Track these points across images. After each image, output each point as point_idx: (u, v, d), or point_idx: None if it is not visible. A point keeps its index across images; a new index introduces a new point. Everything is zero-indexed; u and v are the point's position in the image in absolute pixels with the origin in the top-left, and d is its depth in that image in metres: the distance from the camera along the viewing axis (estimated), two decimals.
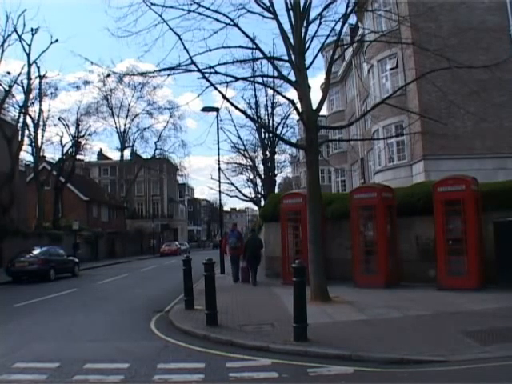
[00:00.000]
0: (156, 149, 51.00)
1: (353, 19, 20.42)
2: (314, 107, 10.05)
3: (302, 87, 9.98)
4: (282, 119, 30.14)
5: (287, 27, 10.04)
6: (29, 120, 28.17)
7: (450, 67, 9.94)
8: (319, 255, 9.65)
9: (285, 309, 8.47)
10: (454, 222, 10.89)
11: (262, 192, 32.29)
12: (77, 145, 33.17)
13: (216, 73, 9.92)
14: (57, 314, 10.05)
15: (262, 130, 27.62)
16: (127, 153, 53.38)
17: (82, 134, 33.05)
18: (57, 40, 33.51)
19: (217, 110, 17.88)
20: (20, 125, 26.81)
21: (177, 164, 54.02)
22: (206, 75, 9.78)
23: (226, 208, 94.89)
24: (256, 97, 28.43)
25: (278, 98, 28.04)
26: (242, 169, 34.42)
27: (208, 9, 9.67)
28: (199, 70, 9.68)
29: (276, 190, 34.20)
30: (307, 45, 10.09)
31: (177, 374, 5.29)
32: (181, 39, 9.57)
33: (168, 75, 10.26)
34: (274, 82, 17.55)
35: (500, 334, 6.22)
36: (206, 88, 9.88)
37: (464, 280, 10.15)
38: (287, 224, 13.16)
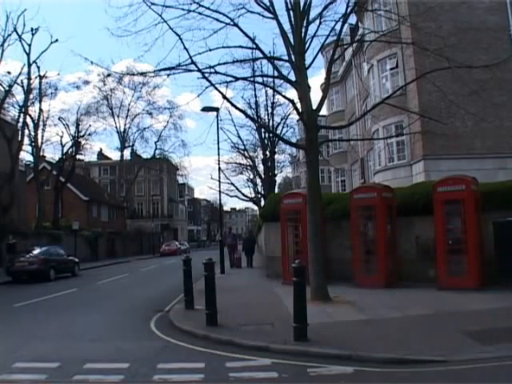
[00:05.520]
0: (156, 149, 51.09)
1: (353, 19, 20.48)
2: (314, 107, 10.04)
3: (302, 87, 9.97)
4: (281, 119, 30.21)
5: (287, 27, 10.05)
6: (29, 120, 28.17)
7: (449, 67, 9.94)
8: (319, 255, 9.64)
9: (285, 309, 8.47)
10: (454, 222, 10.89)
11: (262, 192, 32.32)
12: (77, 145, 33.15)
13: (216, 73, 9.92)
14: (57, 314, 10.05)
15: (262, 129, 27.64)
16: (127, 153, 53.48)
17: (81, 133, 33.06)
18: (57, 40, 33.43)
19: (217, 109, 17.89)
20: (20, 125, 26.77)
21: (177, 164, 54.05)
22: (206, 75, 9.78)
23: (226, 208, 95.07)
24: (256, 97, 28.51)
25: (278, 97, 28.10)
26: (242, 169, 34.50)
27: (208, 8, 9.67)
28: (199, 70, 9.68)
29: (276, 190, 34.23)
30: (307, 45, 10.08)
31: (177, 374, 5.29)
32: (181, 39, 9.57)
33: (168, 75, 10.26)
34: (273, 81, 17.55)
35: (500, 334, 6.22)
36: (206, 88, 9.89)
37: (464, 280, 10.15)
38: (287, 224, 13.15)
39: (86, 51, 11.45)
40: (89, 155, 47.08)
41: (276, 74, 11.62)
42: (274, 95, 28.12)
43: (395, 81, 20.55)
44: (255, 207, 50.26)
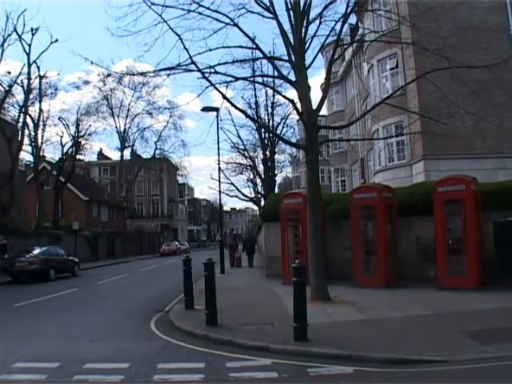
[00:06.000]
0: (156, 149, 51.11)
1: (353, 19, 20.47)
2: (314, 107, 10.04)
3: (302, 87, 9.97)
4: (281, 119, 30.21)
5: (287, 27, 10.05)
6: (29, 120, 28.15)
7: (449, 67, 9.93)
8: (319, 255, 9.64)
9: (285, 309, 8.47)
10: (454, 222, 10.89)
11: (262, 192, 32.32)
12: (77, 145, 33.14)
13: (216, 73, 9.92)
14: (57, 314, 10.05)
15: (262, 129, 27.64)
16: (127, 153, 53.49)
17: (81, 133, 33.04)
18: (57, 40, 33.38)
19: (217, 109, 17.88)
20: (20, 125, 26.76)
21: (177, 164, 54.05)
22: (206, 75, 9.78)
23: (226, 208, 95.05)
24: (256, 97, 28.51)
25: (278, 97, 28.10)
26: (242, 169, 34.51)
27: (208, 8, 9.68)
28: (199, 70, 9.68)
29: (276, 190, 34.23)
30: (307, 45, 10.08)
31: (177, 374, 5.29)
32: (181, 39, 9.57)
33: (168, 75, 10.26)
34: (273, 81, 17.54)
35: (500, 334, 6.22)
36: (206, 88, 9.90)
37: (464, 280, 10.15)
38: (287, 224, 13.15)
39: (86, 51, 11.47)
40: (89, 155, 47.20)
41: (276, 73, 11.61)
42: (273, 95, 28.15)
43: (395, 81, 20.55)
44: (255, 207, 50.33)
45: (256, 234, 30.08)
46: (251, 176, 35.37)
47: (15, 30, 25.10)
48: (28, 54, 26.58)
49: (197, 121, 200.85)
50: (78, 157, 35.98)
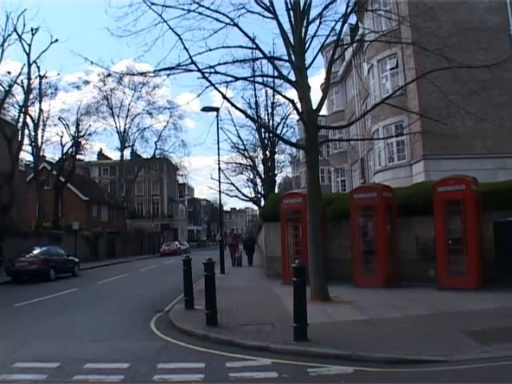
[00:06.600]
0: (156, 149, 51.07)
1: (353, 19, 20.47)
2: (314, 107, 10.04)
3: (302, 87, 9.97)
4: (281, 119, 30.26)
5: (287, 27, 10.05)
6: (29, 120, 28.18)
7: (450, 67, 9.93)
8: (319, 255, 9.64)
9: (285, 309, 8.47)
10: (454, 222, 10.88)
11: (262, 192, 32.35)
12: (77, 145, 33.15)
13: (216, 73, 9.91)
14: (57, 314, 10.05)
15: (262, 129, 27.66)
16: (127, 153, 53.43)
17: (81, 133, 33.06)
18: (57, 40, 33.37)
19: (217, 109, 17.87)
20: (20, 125, 26.77)
21: (177, 164, 54.02)
22: (206, 75, 9.77)
23: (226, 208, 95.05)
24: (256, 97, 28.57)
25: (278, 97, 28.15)
26: (242, 169, 34.54)
27: (208, 8, 9.67)
28: (199, 70, 9.67)
29: (276, 190, 34.26)
30: (307, 45, 10.08)
31: (177, 374, 5.29)
32: (181, 39, 9.56)
33: (168, 75, 10.25)
34: (273, 81, 17.56)
35: (500, 334, 6.22)
36: (206, 88, 9.88)
37: (464, 280, 10.14)
38: (287, 224, 13.15)
39: (86, 51, 11.44)
40: (89, 155, 47.23)
41: (276, 73, 11.61)
42: (273, 95, 28.21)
43: (395, 81, 20.55)
44: (255, 207, 50.34)
45: (256, 234, 30.10)
46: (251, 176, 35.45)
47: (15, 29, 25.13)
48: (28, 54, 26.61)
49: (197, 121, 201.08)
50: (77, 157, 36.00)
